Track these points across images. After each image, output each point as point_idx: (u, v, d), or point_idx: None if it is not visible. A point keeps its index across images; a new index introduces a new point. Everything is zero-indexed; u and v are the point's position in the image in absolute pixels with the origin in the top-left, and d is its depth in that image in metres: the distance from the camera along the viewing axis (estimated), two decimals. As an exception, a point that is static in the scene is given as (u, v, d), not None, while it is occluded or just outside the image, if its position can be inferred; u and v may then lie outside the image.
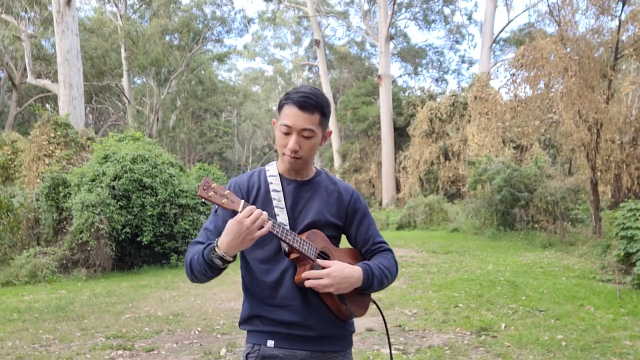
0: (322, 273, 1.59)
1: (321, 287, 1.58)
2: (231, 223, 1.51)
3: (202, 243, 1.67)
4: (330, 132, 1.76)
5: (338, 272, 1.59)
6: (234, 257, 1.56)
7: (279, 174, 1.76)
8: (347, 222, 1.78)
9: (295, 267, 1.66)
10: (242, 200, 1.56)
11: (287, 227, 1.64)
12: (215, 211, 1.71)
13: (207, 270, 1.59)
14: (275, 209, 1.69)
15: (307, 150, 1.67)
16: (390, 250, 1.84)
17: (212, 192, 1.54)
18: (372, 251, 1.81)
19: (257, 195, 1.72)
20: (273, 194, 1.71)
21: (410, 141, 24.14)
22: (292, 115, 1.63)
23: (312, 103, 1.63)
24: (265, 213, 1.53)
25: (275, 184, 1.73)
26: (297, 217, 1.70)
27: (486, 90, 15.30)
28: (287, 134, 1.64)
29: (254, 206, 1.52)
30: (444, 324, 5.40)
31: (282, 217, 1.68)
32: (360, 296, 1.72)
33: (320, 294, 1.64)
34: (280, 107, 1.68)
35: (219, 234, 1.63)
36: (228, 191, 1.57)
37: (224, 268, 1.60)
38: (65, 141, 12.78)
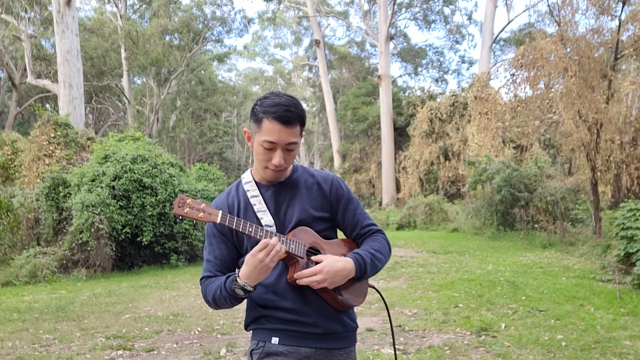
0: (314, 270, 1.60)
1: (315, 283, 1.60)
2: (247, 256, 1.55)
3: (210, 277, 1.73)
4: (304, 135, 1.76)
5: (329, 266, 1.60)
6: (255, 287, 1.59)
7: (256, 181, 1.76)
8: (333, 211, 1.78)
9: (287, 267, 1.68)
10: (220, 211, 1.58)
11: (274, 230, 1.66)
12: (210, 242, 1.75)
13: (232, 301, 1.65)
14: (258, 214, 1.70)
15: (290, 161, 1.68)
16: (380, 231, 1.84)
17: (188, 208, 1.55)
18: (362, 235, 1.81)
19: (239, 209, 1.73)
20: (252, 200, 1.72)
21: (410, 141, 24.14)
22: (275, 131, 1.60)
23: (294, 116, 1.61)
24: (277, 242, 1.55)
25: (252, 191, 1.74)
26: (282, 219, 1.71)
27: (486, 90, 15.30)
28: (270, 149, 1.63)
29: (268, 240, 1.54)
30: (444, 324, 5.40)
31: (267, 220, 1.69)
32: (355, 284, 1.72)
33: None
34: (258, 120, 1.62)
35: (221, 263, 1.72)
36: (204, 204, 1.58)
37: (246, 297, 1.64)
38: (65, 141, 12.79)
